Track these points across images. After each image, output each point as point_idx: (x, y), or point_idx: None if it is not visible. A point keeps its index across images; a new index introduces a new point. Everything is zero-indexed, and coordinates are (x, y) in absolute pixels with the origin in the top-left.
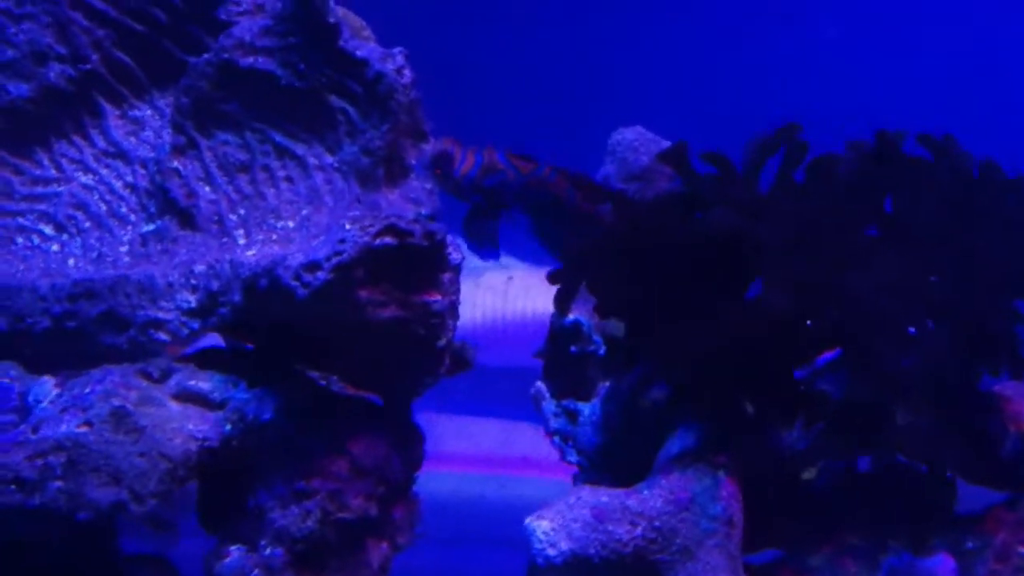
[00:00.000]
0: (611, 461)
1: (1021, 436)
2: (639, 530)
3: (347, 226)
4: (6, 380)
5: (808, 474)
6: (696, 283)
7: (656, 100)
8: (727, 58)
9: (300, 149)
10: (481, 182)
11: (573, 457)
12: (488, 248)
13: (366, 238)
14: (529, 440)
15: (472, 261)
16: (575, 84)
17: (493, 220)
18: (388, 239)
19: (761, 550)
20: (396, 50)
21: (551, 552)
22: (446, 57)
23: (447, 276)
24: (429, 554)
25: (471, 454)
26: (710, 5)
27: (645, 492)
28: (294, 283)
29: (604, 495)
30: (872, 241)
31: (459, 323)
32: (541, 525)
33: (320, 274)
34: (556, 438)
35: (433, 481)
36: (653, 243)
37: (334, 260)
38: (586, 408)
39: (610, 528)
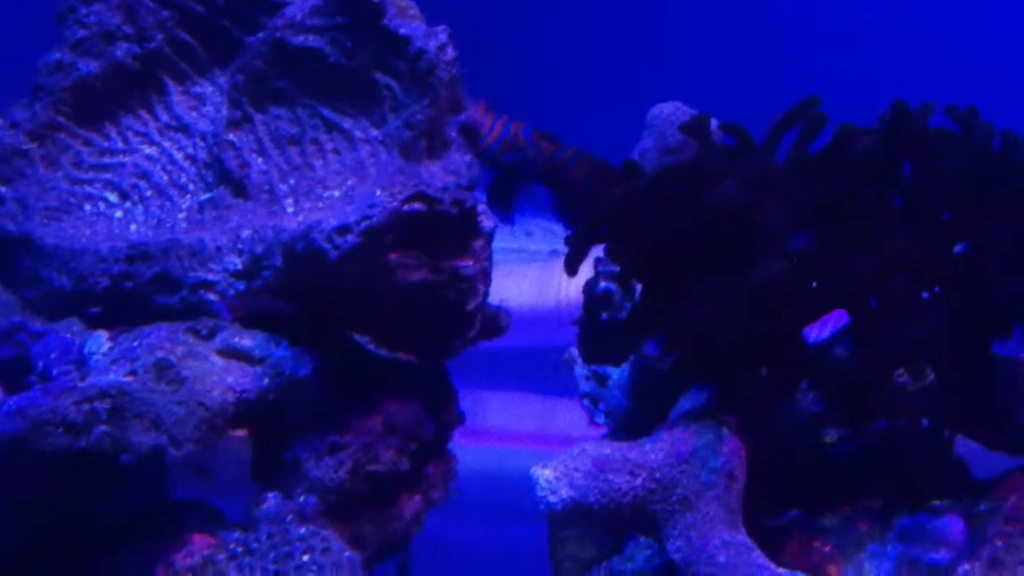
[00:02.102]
0: (636, 424)
1: None
2: (639, 480)
3: (378, 192)
4: (68, 335)
5: (831, 438)
6: (704, 251)
7: (681, 82)
8: (749, 38)
9: (347, 123)
10: (500, 156)
11: (601, 420)
12: (504, 216)
13: (395, 204)
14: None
15: (523, 243)
16: (614, 63)
17: (510, 191)
18: (417, 205)
19: (784, 512)
20: (439, 28)
21: (552, 499)
22: (493, 34)
23: (478, 243)
24: (478, 529)
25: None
26: None
27: (647, 445)
28: (326, 246)
29: (607, 447)
30: (880, 213)
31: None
32: (544, 474)
33: (350, 237)
34: (586, 401)
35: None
36: (659, 213)
37: (363, 224)
38: (615, 373)
39: (611, 478)
